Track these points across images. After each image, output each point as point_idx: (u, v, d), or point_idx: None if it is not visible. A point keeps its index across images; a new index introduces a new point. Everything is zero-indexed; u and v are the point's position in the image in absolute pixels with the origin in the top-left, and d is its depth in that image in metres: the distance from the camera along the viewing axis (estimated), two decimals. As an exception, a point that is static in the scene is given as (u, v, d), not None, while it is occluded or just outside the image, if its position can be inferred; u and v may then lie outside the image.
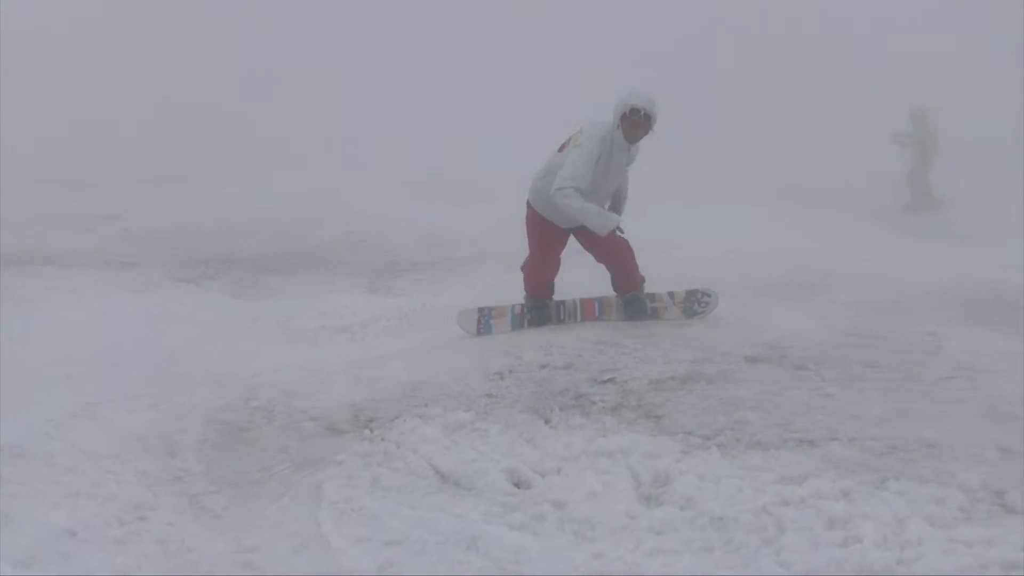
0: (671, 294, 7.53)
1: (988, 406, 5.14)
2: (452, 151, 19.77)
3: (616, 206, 7.44)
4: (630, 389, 5.68)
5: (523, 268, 7.55)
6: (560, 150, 7.20)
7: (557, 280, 7.58)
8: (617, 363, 6.20)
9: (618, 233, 7.12)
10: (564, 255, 7.51)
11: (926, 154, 16.66)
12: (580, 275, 7.79)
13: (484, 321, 7.53)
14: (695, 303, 7.48)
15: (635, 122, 6.85)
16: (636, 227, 7.51)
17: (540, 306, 7.51)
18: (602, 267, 7.45)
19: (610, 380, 5.86)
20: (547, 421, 5.24)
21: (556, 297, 7.60)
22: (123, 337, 7.44)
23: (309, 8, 25.05)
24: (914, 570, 3.54)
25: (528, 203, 7.36)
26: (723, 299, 7.48)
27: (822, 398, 5.38)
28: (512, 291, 7.97)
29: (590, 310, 7.58)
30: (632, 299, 7.40)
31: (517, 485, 4.46)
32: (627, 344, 6.61)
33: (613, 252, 7.25)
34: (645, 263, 7.44)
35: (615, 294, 7.49)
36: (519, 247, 7.66)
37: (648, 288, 7.48)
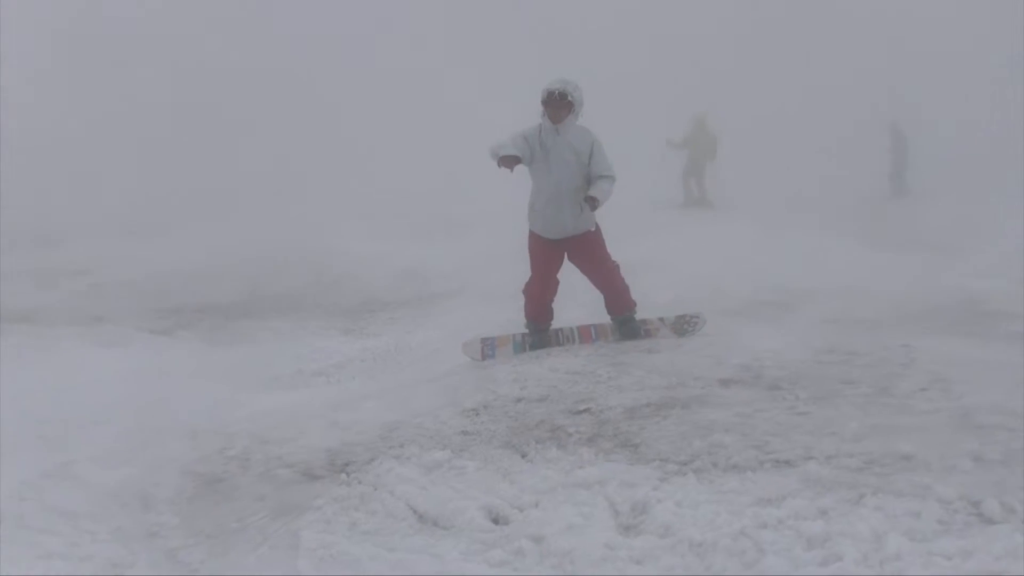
0: (661, 319, 7.86)
1: (962, 416, 5.18)
2: (424, 186, 19.86)
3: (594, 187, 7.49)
4: (606, 419, 5.68)
5: (524, 290, 7.78)
6: None
7: (557, 309, 7.84)
8: (592, 393, 6.20)
9: (588, 207, 7.32)
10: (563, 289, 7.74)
11: (698, 157, 18.78)
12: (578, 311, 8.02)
13: (488, 349, 7.77)
14: (685, 324, 7.81)
15: (551, 103, 7.25)
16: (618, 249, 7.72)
17: (540, 330, 7.82)
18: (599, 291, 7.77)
19: (585, 411, 5.86)
20: (523, 455, 5.23)
21: (555, 324, 7.89)
22: (96, 393, 7.36)
23: (279, 45, 25.12)
24: (894, 585, 3.56)
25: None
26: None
27: (797, 417, 5.40)
28: (490, 324, 8.02)
29: (587, 335, 7.88)
30: (625, 320, 7.75)
31: (495, 522, 4.45)
32: (601, 373, 6.63)
33: (601, 268, 7.61)
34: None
35: (609, 319, 7.83)
36: (496, 279, 7.71)
37: (638, 315, 7.79)
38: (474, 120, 20.12)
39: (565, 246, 7.59)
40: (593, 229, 7.58)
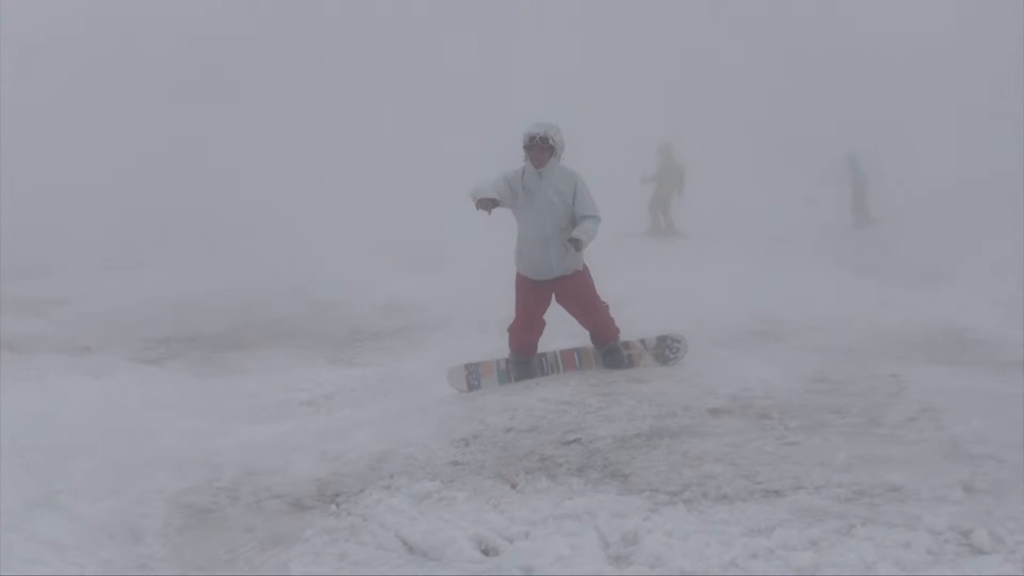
0: (643, 341, 7.87)
1: (951, 446, 5.20)
2: (411, 216, 19.88)
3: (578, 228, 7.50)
4: (595, 449, 5.69)
5: (510, 329, 7.80)
6: None
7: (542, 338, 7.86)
8: (581, 423, 6.21)
9: (572, 248, 7.36)
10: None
11: (666, 187, 19.10)
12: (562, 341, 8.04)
13: (473, 377, 7.79)
14: (666, 349, 7.82)
15: (533, 148, 7.37)
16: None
17: (523, 362, 7.82)
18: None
19: (575, 441, 5.87)
20: (513, 486, 5.23)
21: (538, 349, 7.91)
22: (83, 424, 7.31)
23: (266, 73, 25.26)
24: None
25: None
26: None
27: (787, 447, 5.42)
28: (479, 355, 8.02)
29: (570, 361, 7.90)
30: (610, 349, 7.79)
31: (485, 552, 4.45)
32: (591, 403, 6.64)
33: (590, 309, 7.67)
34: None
35: (592, 346, 7.87)
36: (484, 310, 7.72)
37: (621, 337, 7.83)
38: (456, 152, 20.34)
39: (552, 288, 7.64)
40: (581, 269, 7.62)
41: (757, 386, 6.74)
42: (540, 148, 7.36)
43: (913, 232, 15.36)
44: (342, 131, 25.43)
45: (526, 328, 7.70)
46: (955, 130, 21.03)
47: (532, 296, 7.63)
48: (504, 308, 7.87)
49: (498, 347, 8.04)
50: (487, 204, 7.28)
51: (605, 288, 7.79)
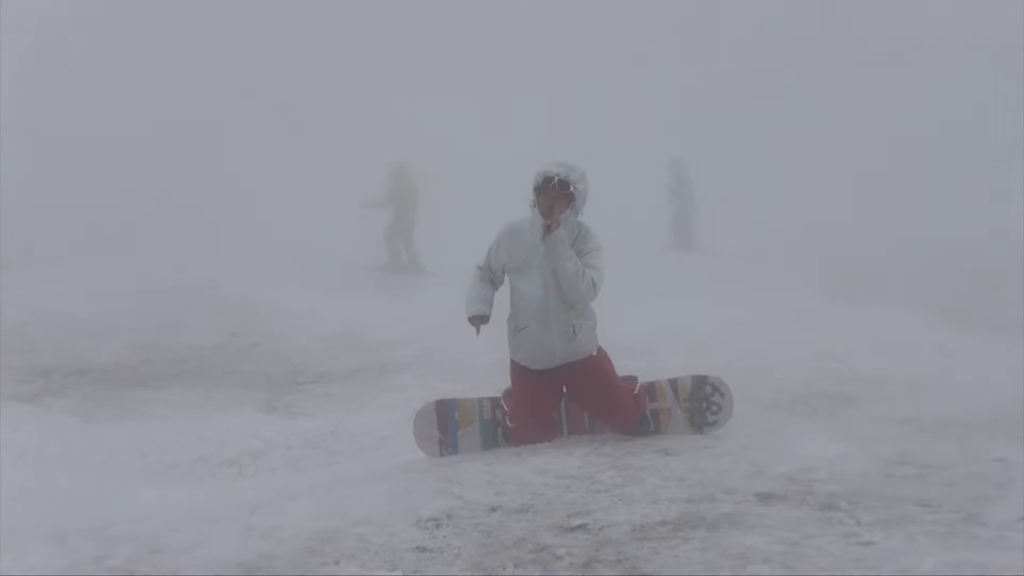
0: (673, 384, 7.77)
1: (1073, 554, 5.18)
2: (364, 229, 19.97)
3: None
4: (606, 538, 5.65)
5: (509, 431, 7.72)
6: None
7: None
8: (589, 504, 6.18)
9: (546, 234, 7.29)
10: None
11: (404, 212, 19.84)
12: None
13: (448, 434, 7.74)
14: (704, 402, 7.74)
15: (548, 192, 7.21)
16: (607, 327, 7.66)
17: None
18: None
19: (580, 527, 5.84)
20: (498, 583, 5.21)
21: None
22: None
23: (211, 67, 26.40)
24: None
25: None
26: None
27: (859, 547, 5.39)
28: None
29: (579, 423, 7.85)
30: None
31: (458, 672, 4.42)
32: (603, 479, 6.61)
33: (610, 408, 7.64)
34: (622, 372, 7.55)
35: None
36: (461, 348, 7.69)
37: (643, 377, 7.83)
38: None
39: (559, 378, 7.55)
40: (595, 353, 7.53)
41: (821, 466, 6.72)
42: (556, 195, 7.20)
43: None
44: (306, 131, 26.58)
45: (530, 428, 7.59)
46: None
47: (533, 389, 7.55)
48: (489, 350, 7.84)
49: (481, 396, 8.00)
50: (476, 322, 7.46)
51: (613, 329, 7.74)
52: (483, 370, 8.09)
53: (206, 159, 24.26)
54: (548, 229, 7.16)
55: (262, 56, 29.90)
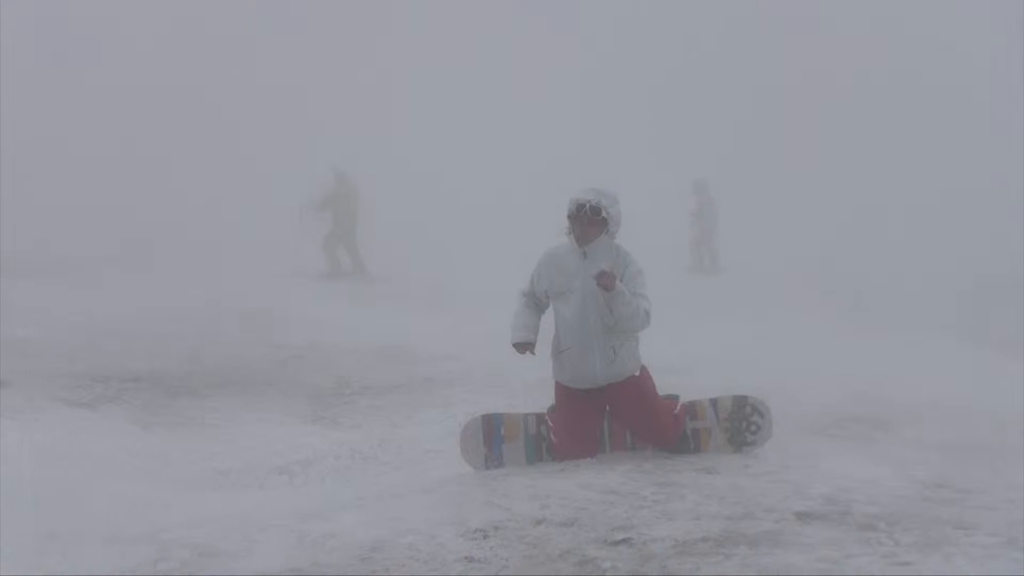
0: (714, 404, 7.82)
1: (1113, 580, 5.15)
2: (418, 236, 20.00)
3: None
4: (650, 553, 5.65)
5: (549, 415, 7.80)
6: None
7: None
8: (633, 519, 6.18)
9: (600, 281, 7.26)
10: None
11: (343, 218, 19.96)
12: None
13: (493, 448, 7.79)
14: (743, 422, 7.76)
15: (580, 220, 7.34)
16: (648, 346, 7.70)
17: None
18: None
19: (624, 541, 5.84)
20: (544, 594, 5.22)
21: None
22: (-7, 477, 7.36)
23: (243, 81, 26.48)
24: None
25: None
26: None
27: (897, 567, 5.37)
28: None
29: (620, 440, 7.84)
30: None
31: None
32: (646, 494, 6.61)
33: (652, 427, 7.67)
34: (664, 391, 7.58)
35: None
36: (508, 364, 7.71)
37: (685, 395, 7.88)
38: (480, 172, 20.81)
39: (602, 397, 7.59)
40: (638, 374, 7.58)
41: (859, 487, 6.70)
42: (588, 221, 7.34)
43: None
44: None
45: (574, 444, 7.62)
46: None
47: (577, 407, 7.60)
48: (537, 367, 7.85)
49: (528, 411, 8.02)
50: (522, 349, 7.55)
51: (654, 348, 7.76)
52: (528, 386, 8.10)
53: (214, 170, 24.39)
54: (606, 287, 7.18)
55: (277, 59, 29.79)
